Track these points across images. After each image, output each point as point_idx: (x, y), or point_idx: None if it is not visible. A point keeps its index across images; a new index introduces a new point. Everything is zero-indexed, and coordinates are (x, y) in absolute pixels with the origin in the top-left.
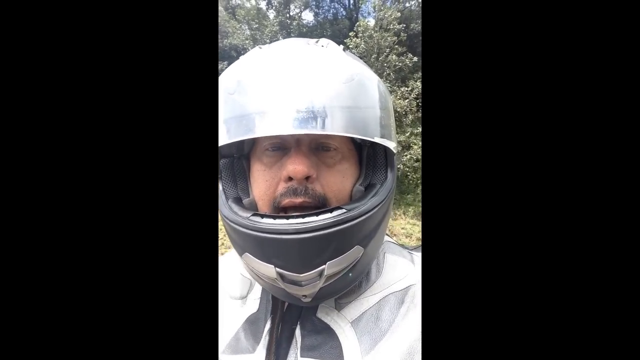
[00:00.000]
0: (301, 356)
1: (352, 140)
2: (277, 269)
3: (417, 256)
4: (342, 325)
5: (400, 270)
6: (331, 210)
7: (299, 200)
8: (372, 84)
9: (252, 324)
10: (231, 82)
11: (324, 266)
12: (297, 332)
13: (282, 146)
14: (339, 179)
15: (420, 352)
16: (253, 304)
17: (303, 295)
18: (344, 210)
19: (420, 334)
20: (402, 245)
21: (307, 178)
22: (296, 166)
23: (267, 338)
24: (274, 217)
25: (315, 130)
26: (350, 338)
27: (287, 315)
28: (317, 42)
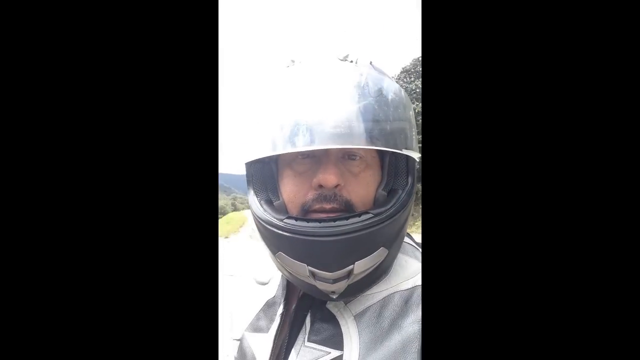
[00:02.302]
0: (308, 340)
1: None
2: (310, 268)
3: None
4: (346, 317)
5: (409, 270)
6: (359, 215)
7: (329, 206)
8: (397, 97)
9: (269, 307)
10: (280, 92)
11: (352, 266)
12: (308, 319)
13: (312, 154)
14: (364, 186)
15: (416, 351)
16: (272, 289)
17: (332, 292)
18: (371, 215)
19: (419, 333)
20: (418, 244)
21: (336, 186)
22: (327, 176)
23: (278, 321)
24: (307, 221)
25: (350, 144)
26: (351, 330)
27: (301, 304)
28: (347, 56)
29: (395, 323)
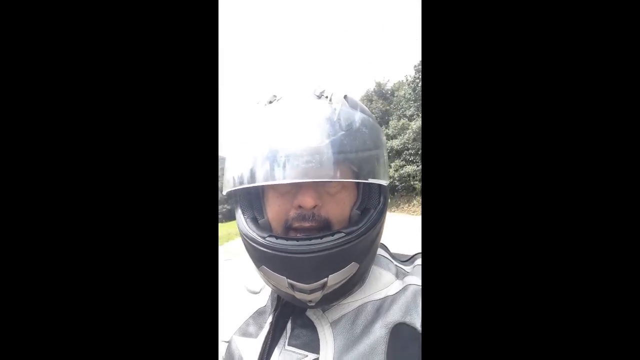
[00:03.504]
0: (288, 344)
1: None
2: (289, 280)
3: (408, 268)
4: (323, 324)
5: (382, 281)
6: (333, 234)
7: (307, 224)
8: (367, 129)
9: (259, 315)
10: (260, 128)
11: (326, 279)
12: (289, 325)
13: None
14: (340, 205)
15: (383, 352)
16: (263, 299)
17: (309, 301)
18: (343, 234)
19: (387, 337)
20: (393, 257)
21: (314, 207)
22: (306, 198)
23: (267, 328)
24: (286, 239)
25: (319, 178)
26: (327, 336)
27: (282, 311)
28: (323, 92)
29: (366, 329)
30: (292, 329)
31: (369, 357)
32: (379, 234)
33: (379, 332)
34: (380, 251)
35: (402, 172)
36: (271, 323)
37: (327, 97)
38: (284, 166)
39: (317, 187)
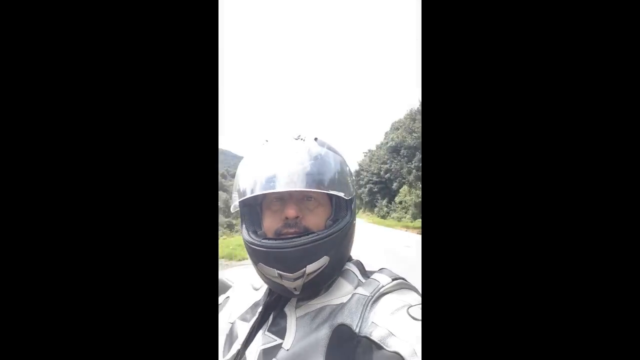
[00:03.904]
0: (267, 330)
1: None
2: (277, 271)
3: (364, 281)
4: (292, 318)
5: (342, 291)
6: (308, 235)
7: (292, 230)
8: (329, 159)
9: (255, 306)
10: (256, 160)
11: (305, 268)
12: (271, 316)
13: (281, 198)
14: (317, 217)
15: (324, 345)
16: (260, 294)
17: (294, 288)
18: (315, 234)
19: (329, 334)
20: (362, 273)
21: (297, 217)
22: (290, 211)
23: (257, 317)
24: (275, 240)
25: (296, 189)
26: (292, 327)
27: (270, 305)
28: (299, 136)
29: (319, 326)
30: (273, 319)
31: (313, 347)
32: (346, 235)
33: (325, 330)
34: (351, 266)
35: None
36: (260, 312)
37: (302, 139)
38: (273, 183)
39: (298, 204)
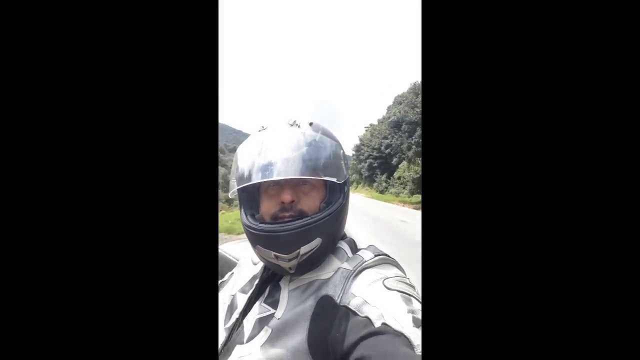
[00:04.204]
0: (263, 301)
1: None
2: (274, 252)
3: (352, 256)
4: (285, 291)
5: (331, 267)
6: (302, 218)
7: (287, 214)
8: (324, 144)
9: (253, 279)
10: (253, 147)
11: (299, 249)
12: (268, 289)
13: (278, 182)
14: (312, 201)
15: (308, 316)
16: (258, 268)
17: (289, 268)
18: (309, 218)
19: (313, 305)
20: (352, 250)
21: (292, 202)
22: (285, 195)
23: (254, 288)
24: (271, 224)
25: (289, 176)
26: (284, 299)
27: (267, 278)
28: (294, 121)
29: (307, 299)
30: (269, 291)
31: (300, 316)
32: (338, 218)
33: (311, 301)
34: (343, 245)
35: None
36: (257, 285)
37: (297, 125)
38: (269, 170)
39: (294, 188)
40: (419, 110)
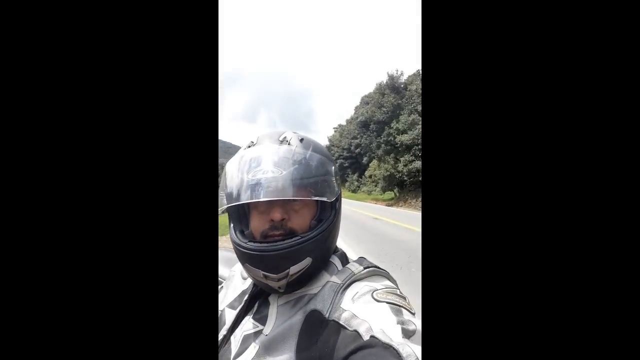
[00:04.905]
0: (252, 317)
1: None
2: (262, 272)
3: (345, 268)
4: (274, 305)
5: (321, 282)
6: (291, 237)
7: (277, 232)
8: (316, 162)
9: (242, 295)
10: (241, 166)
11: (288, 269)
12: (256, 304)
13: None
14: (302, 218)
15: (297, 329)
16: (247, 283)
17: (278, 287)
18: (298, 238)
19: (302, 320)
20: (343, 263)
21: (282, 220)
22: (276, 214)
23: (243, 304)
24: (260, 242)
25: (278, 197)
26: (273, 315)
27: (256, 294)
28: (284, 137)
29: (295, 314)
30: (258, 307)
31: (288, 331)
32: (329, 236)
33: (299, 316)
34: (334, 259)
35: (410, 167)
36: (246, 301)
37: (287, 141)
38: (257, 190)
39: (284, 205)
40: (385, 109)
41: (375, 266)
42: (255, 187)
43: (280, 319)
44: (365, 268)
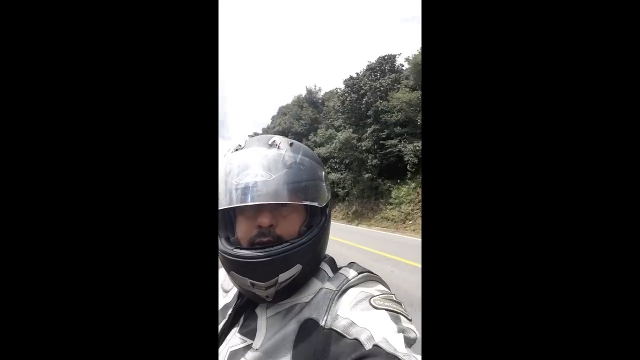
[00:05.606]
0: (238, 332)
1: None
2: (250, 280)
3: (333, 276)
4: (262, 318)
5: (312, 289)
6: (280, 244)
7: (265, 239)
8: (306, 166)
9: (225, 308)
10: (228, 170)
11: (277, 277)
12: (242, 318)
13: (255, 205)
14: (291, 224)
15: (291, 340)
16: (230, 296)
17: (266, 296)
18: (288, 244)
19: (296, 329)
20: (333, 269)
21: (270, 226)
22: (263, 219)
23: (227, 319)
24: (247, 249)
25: (268, 201)
26: (262, 327)
27: (240, 307)
28: (274, 141)
29: (288, 324)
30: (244, 321)
31: (281, 343)
32: (320, 242)
33: (293, 326)
34: (324, 266)
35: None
36: (230, 314)
37: (277, 145)
38: (246, 194)
39: (272, 211)
40: (304, 122)
41: (369, 271)
42: (244, 190)
43: (271, 330)
44: (359, 273)
